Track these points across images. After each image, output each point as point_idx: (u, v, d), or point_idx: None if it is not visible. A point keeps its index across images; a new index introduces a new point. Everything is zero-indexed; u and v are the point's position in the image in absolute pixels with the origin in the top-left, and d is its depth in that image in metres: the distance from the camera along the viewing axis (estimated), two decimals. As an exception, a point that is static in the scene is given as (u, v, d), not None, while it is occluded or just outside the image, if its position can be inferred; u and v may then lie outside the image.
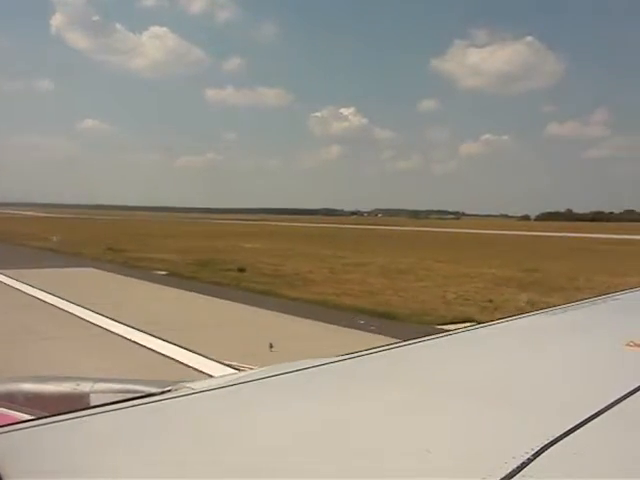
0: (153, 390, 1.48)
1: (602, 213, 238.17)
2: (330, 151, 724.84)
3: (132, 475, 1.00)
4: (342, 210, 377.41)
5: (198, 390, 1.44)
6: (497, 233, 69.48)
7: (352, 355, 1.78)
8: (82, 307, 11.71)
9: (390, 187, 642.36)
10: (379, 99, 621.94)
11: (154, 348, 8.40)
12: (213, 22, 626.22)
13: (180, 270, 20.27)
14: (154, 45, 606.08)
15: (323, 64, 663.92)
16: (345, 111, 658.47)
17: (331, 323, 10.71)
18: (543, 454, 1.04)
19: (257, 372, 1.65)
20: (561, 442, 1.10)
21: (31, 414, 1.61)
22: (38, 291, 13.81)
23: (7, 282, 15.88)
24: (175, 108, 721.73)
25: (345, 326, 10.36)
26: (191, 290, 15.38)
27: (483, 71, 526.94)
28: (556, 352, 1.98)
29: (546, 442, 1.08)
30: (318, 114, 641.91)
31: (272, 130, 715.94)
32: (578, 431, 1.16)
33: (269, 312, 12.06)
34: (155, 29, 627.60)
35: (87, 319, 10.72)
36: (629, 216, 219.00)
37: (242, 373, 1.74)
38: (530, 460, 1.01)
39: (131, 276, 18.50)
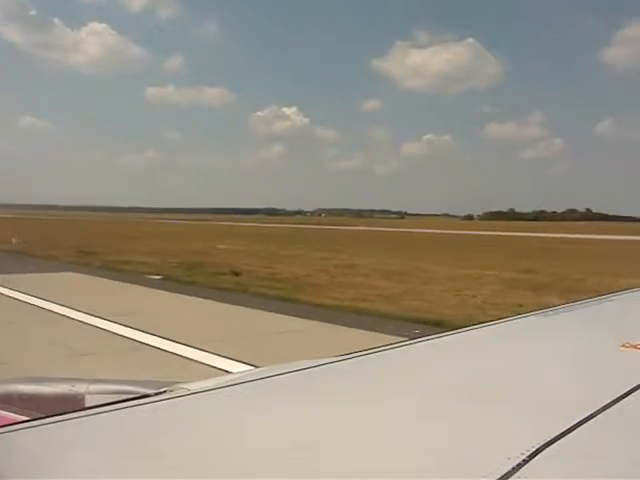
0: (148, 391, 1.44)
1: (545, 212, 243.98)
2: (272, 150, 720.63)
3: (127, 476, 0.98)
4: (284, 209, 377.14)
5: (194, 391, 1.42)
6: (453, 233, 69.92)
7: (350, 355, 1.77)
8: (101, 318, 10.48)
9: (332, 186, 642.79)
10: (321, 99, 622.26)
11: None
12: (154, 19, 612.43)
13: (172, 274, 19.01)
14: (93, 42, 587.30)
15: (265, 63, 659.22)
16: (287, 110, 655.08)
17: (391, 334, 9.80)
18: (538, 455, 1.03)
19: (253, 373, 1.62)
20: (557, 443, 1.09)
21: (26, 415, 1.56)
22: (41, 300, 12.40)
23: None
24: (116, 106, 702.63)
25: (409, 337, 9.45)
26: (203, 297, 14.13)
27: (425, 72, 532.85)
28: (551, 353, 1.97)
29: (542, 443, 1.07)
30: (260, 113, 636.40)
31: (214, 129, 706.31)
32: (573, 432, 1.14)
33: (314, 322, 11.05)
34: (94, 25, 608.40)
35: (119, 333, 9.51)
36: (571, 215, 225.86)
37: (239, 374, 1.67)
38: (525, 461, 1.00)
39: (124, 281, 17.14)
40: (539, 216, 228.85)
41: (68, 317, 10.86)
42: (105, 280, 17.45)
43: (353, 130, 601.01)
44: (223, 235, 49.05)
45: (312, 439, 1.16)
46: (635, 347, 1.89)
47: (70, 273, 19.03)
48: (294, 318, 11.36)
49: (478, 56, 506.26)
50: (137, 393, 1.52)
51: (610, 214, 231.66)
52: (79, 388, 2.05)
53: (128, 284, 16.64)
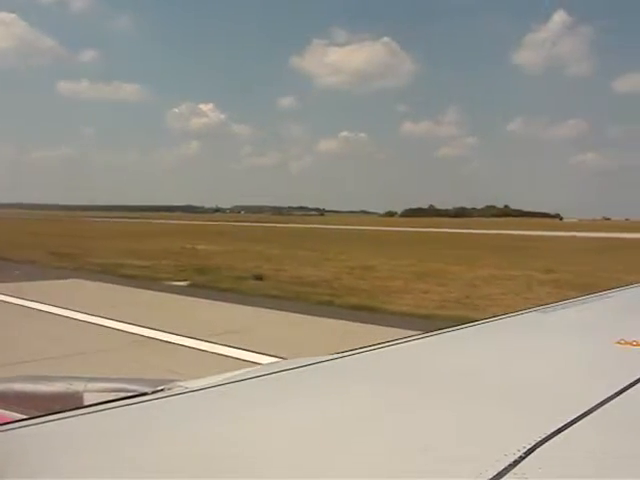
0: (146, 389, 1.42)
1: (465, 209, 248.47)
2: (189, 147, 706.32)
3: (124, 475, 0.97)
4: (203, 207, 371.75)
5: (191, 389, 1.42)
6: (398, 230, 69.62)
7: (348, 353, 1.77)
8: (215, 343, 8.79)
9: (250, 184, 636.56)
10: (238, 96, 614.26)
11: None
12: (67, 11, 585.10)
13: (192, 279, 17.21)
14: (1, 32, 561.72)
15: (181, 59, 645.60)
16: (204, 107, 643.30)
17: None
18: (535, 451, 1.04)
19: (251, 371, 1.59)
20: (553, 440, 1.10)
21: (24, 414, 1.50)
22: (97, 317, 10.53)
23: (12, 301, 12.37)
24: (26, 100, 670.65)
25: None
26: (277, 309, 12.35)
27: (342, 69, 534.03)
28: (548, 350, 1.98)
29: (538, 440, 1.08)
30: (176, 110, 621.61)
31: (130, 125, 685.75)
32: (570, 429, 1.15)
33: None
34: (2, 15, 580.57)
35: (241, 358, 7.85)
36: (490, 211, 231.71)
37: (237, 372, 1.55)
38: (522, 458, 1.01)
39: (152, 289, 15.21)
40: (460, 212, 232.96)
41: (170, 343, 8.99)
42: (130, 289, 15.32)
43: (270, 127, 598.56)
44: (180, 234, 46.54)
45: (310, 437, 1.15)
46: (630, 344, 1.90)
47: (77, 280, 16.82)
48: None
49: (394, 55, 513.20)
50: (135, 391, 1.49)
51: (526, 210, 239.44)
52: (77, 386, 2.00)
53: (163, 293, 14.71)
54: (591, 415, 1.23)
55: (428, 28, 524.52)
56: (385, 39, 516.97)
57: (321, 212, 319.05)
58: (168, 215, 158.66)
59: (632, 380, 1.48)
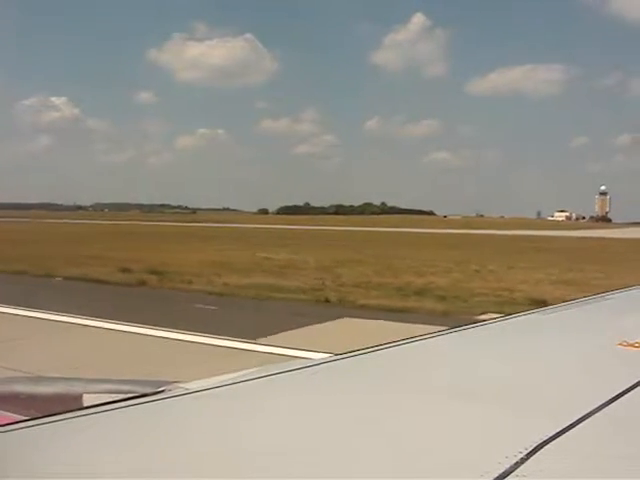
0: (147, 390, 1.43)
1: (342, 206, 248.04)
2: (41, 141, 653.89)
3: (125, 475, 0.97)
4: (62, 205, 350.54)
5: (192, 390, 1.41)
6: (343, 229, 67.10)
7: (349, 354, 1.75)
8: None
9: (109, 181, 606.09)
10: (93, 89, 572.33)
11: None
12: None
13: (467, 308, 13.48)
14: None
15: (31, 48, 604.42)
16: (56, 100, 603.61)
17: None
18: (536, 454, 1.03)
19: (251, 372, 1.59)
20: (554, 441, 1.08)
21: (24, 415, 1.49)
22: None
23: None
24: None
25: None
26: None
27: (202, 65, 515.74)
28: (549, 351, 1.96)
29: (539, 442, 1.06)
30: (26, 102, 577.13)
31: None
32: (571, 430, 1.13)
33: None
34: None
35: None
36: (369, 208, 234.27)
37: (237, 373, 1.56)
38: (524, 460, 1.00)
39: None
40: (339, 210, 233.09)
41: None
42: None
43: (126, 122, 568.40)
44: (166, 237, 41.45)
45: (310, 438, 1.14)
46: (632, 346, 1.89)
47: (349, 319, 12.49)
48: None
49: (256, 52, 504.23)
50: (135, 392, 1.47)
51: (402, 207, 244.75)
52: (77, 387, 2.00)
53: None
54: (593, 417, 1.22)
55: (291, 26, 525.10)
56: (247, 35, 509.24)
57: (192, 210, 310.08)
58: (50, 214, 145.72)
59: (634, 382, 1.47)
